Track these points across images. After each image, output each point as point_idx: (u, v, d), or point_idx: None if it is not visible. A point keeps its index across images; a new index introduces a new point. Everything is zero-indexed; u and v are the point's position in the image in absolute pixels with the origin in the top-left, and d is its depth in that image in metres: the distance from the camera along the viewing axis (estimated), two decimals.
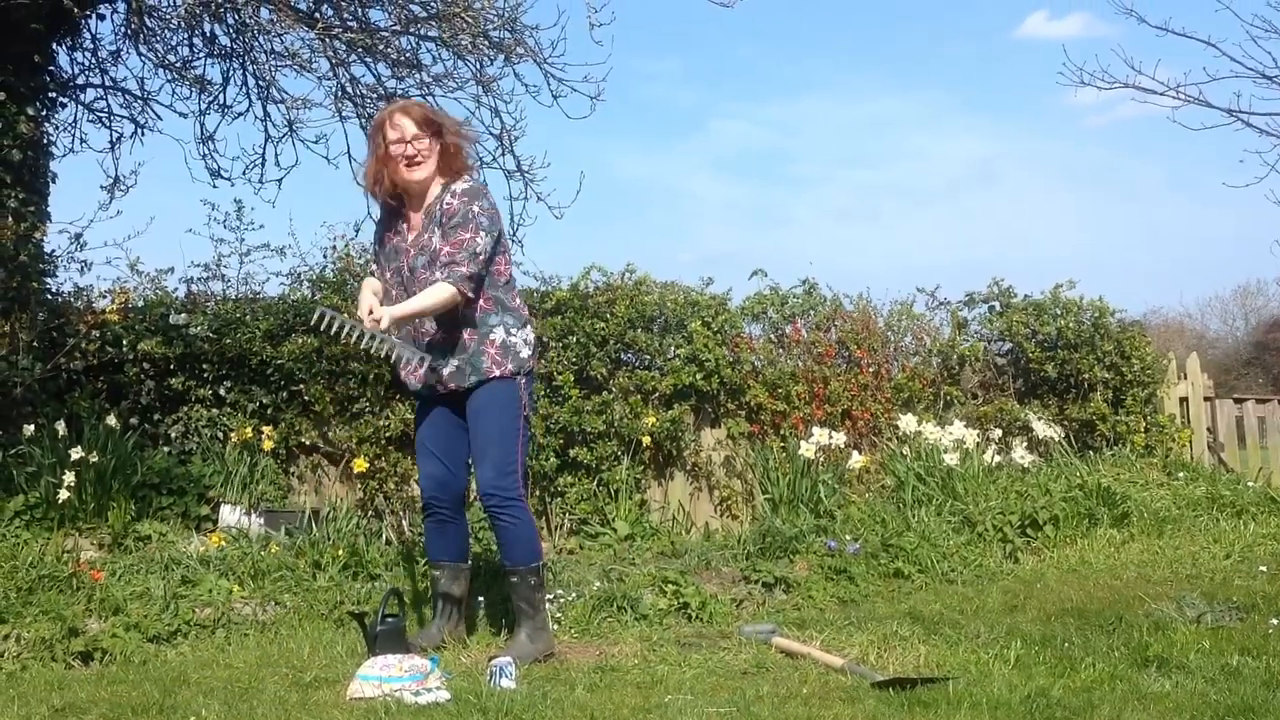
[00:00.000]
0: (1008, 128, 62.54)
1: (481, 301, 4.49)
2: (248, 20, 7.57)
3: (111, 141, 8.30)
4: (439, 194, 4.52)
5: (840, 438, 7.48)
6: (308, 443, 7.35)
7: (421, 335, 4.50)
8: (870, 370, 8.41)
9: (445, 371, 4.49)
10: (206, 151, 8.32)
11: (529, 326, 4.66)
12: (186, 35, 7.91)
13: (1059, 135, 59.57)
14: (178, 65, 8.07)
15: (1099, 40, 44.30)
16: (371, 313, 4.27)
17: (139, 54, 8.03)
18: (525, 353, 4.58)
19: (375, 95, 7.95)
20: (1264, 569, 5.78)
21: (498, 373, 4.49)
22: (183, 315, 7.35)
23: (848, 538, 6.08)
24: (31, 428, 6.53)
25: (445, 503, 4.62)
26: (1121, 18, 9.98)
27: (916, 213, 57.83)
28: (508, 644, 4.48)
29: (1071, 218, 55.65)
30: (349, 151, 8.15)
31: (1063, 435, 8.30)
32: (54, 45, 7.38)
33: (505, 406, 4.48)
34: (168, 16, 7.71)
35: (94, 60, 8.13)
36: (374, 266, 4.72)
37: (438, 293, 4.34)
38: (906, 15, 57.41)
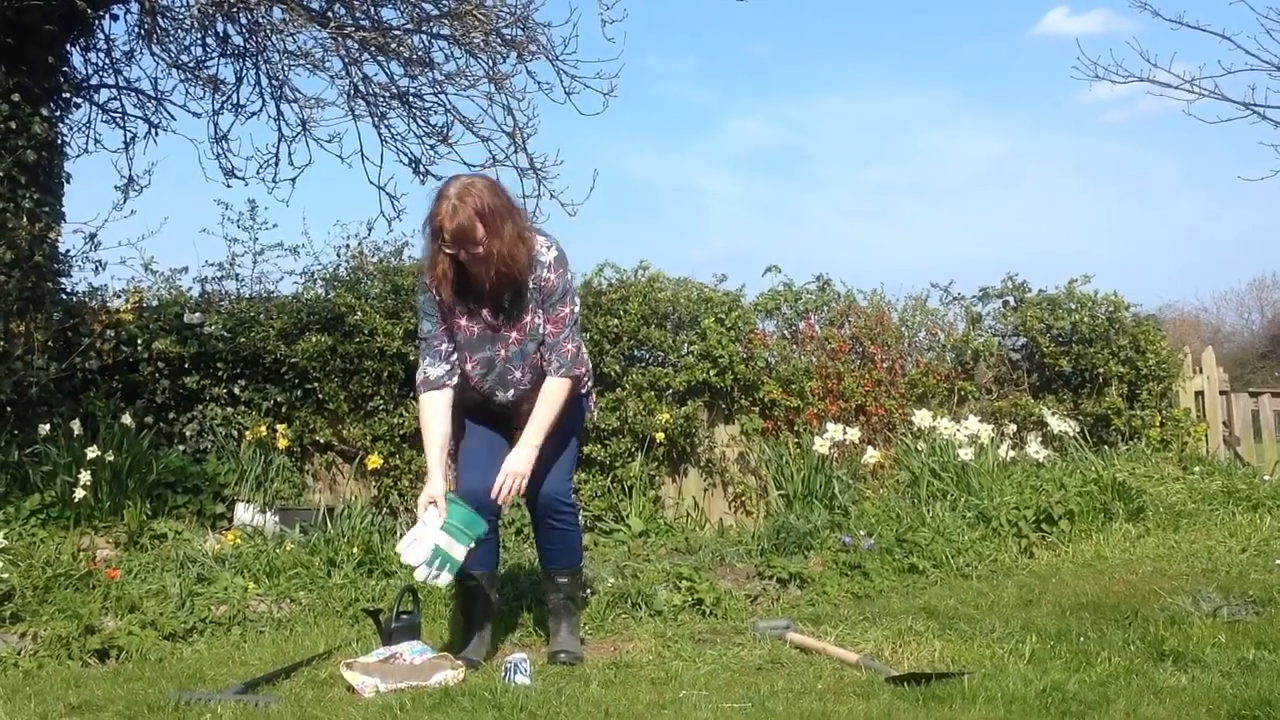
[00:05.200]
0: (1025, 124, 62.12)
1: None
2: (260, 20, 7.59)
3: (125, 142, 8.35)
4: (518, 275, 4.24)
5: (854, 433, 7.47)
6: (322, 440, 7.38)
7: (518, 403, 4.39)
8: (884, 366, 8.40)
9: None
10: (220, 151, 8.35)
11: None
12: (200, 35, 7.94)
13: (1077, 132, 59.23)
14: (191, 65, 8.10)
15: (1118, 35, 43.93)
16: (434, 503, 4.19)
17: (152, 54, 8.06)
18: (589, 363, 4.61)
19: (388, 94, 7.97)
20: None
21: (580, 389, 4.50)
22: (197, 314, 7.38)
23: (862, 533, 6.07)
24: (47, 427, 6.56)
25: (495, 514, 4.46)
26: (1137, 11, 9.97)
27: (932, 210, 57.56)
28: (551, 640, 4.49)
29: (1088, 214, 55.35)
30: (362, 150, 8.17)
31: (1077, 430, 8.26)
32: (68, 46, 7.42)
33: (574, 417, 4.47)
34: (181, 16, 7.73)
35: (108, 61, 8.18)
36: (436, 339, 4.31)
37: (560, 394, 4.26)
38: (923, 12, 57.12)
